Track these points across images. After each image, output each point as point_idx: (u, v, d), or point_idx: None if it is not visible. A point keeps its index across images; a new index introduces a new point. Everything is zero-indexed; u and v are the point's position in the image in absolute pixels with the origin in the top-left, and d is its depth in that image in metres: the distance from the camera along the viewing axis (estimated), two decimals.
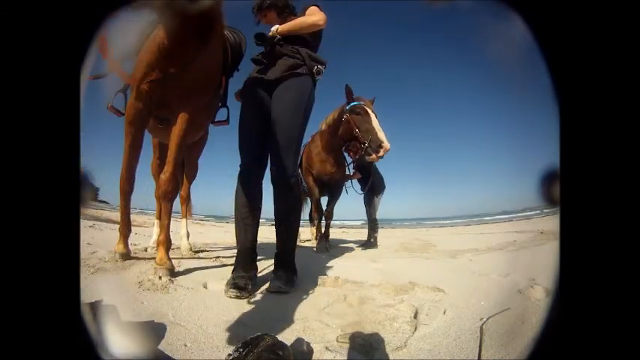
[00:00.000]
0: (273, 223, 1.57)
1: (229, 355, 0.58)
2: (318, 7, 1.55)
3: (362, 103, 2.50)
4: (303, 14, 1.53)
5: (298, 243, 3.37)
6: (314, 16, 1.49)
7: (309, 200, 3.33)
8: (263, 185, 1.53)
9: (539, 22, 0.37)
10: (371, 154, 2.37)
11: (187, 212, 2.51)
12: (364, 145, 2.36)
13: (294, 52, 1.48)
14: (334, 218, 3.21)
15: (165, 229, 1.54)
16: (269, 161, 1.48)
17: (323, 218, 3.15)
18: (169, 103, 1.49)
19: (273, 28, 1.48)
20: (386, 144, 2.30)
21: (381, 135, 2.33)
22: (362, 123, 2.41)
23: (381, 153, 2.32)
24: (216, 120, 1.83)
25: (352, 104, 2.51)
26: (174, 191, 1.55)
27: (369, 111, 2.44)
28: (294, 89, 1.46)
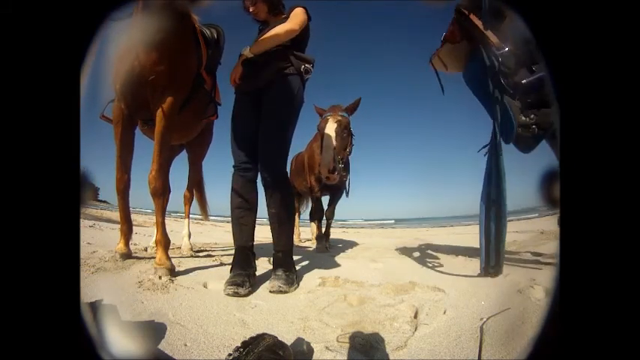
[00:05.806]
0: None
1: (229, 355, 0.58)
2: (304, 8, 1.51)
3: (328, 114, 2.20)
4: (288, 17, 1.49)
5: (298, 243, 3.39)
6: (287, 24, 1.45)
7: (309, 200, 3.32)
8: (257, 185, 1.55)
9: (538, 21, 0.37)
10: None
11: (203, 214, 2.52)
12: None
13: (280, 54, 1.46)
14: (334, 218, 3.21)
15: (161, 227, 1.55)
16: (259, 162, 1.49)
17: (323, 218, 3.14)
18: (148, 104, 1.53)
19: (246, 52, 1.44)
20: (322, 170, 2.00)
21: (324, 157, 2.01)
22: (321, 141, 2.14)
23: (324, 180, 2.09)
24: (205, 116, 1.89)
25: (321, 119, 2.23)
26: (163, 188, 1.58)
27: (325, 127, 2.13)
28: (281, 90, 1.46)
